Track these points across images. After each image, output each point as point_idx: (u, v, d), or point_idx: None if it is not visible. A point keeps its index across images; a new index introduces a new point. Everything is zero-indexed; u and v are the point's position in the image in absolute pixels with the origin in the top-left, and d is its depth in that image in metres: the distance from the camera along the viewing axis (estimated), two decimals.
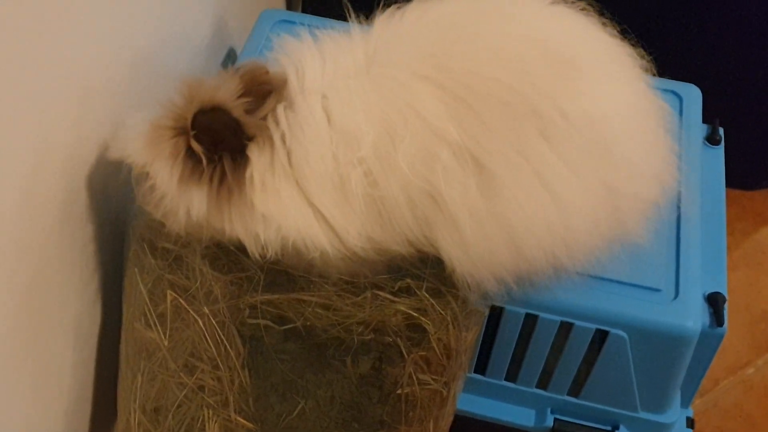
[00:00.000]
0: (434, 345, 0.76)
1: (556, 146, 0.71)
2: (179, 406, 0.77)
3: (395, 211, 0.71)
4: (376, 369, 0.76)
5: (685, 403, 0.95)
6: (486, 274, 0.73)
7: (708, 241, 0.91)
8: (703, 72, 1.12)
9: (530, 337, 0.85)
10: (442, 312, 0.76)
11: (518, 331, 0.85)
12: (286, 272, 0.76)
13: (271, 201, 0.72)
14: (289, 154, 0.72)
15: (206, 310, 0.77)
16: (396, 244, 0.73)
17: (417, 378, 0.76)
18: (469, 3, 0.76)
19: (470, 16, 0.75)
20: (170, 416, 0.77)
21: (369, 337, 0.75)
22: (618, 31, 0.79)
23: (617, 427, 0.91)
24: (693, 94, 1.01)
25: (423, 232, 0.73)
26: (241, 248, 0.75)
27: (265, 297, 0.76)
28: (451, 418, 0.84)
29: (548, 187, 0.71)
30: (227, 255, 0.77)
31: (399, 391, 0.76)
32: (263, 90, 0.73)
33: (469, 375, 0.91)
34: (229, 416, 0.77)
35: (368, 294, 0.75)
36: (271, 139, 0.72)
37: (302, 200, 0.72)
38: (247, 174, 0.72)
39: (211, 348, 0.77)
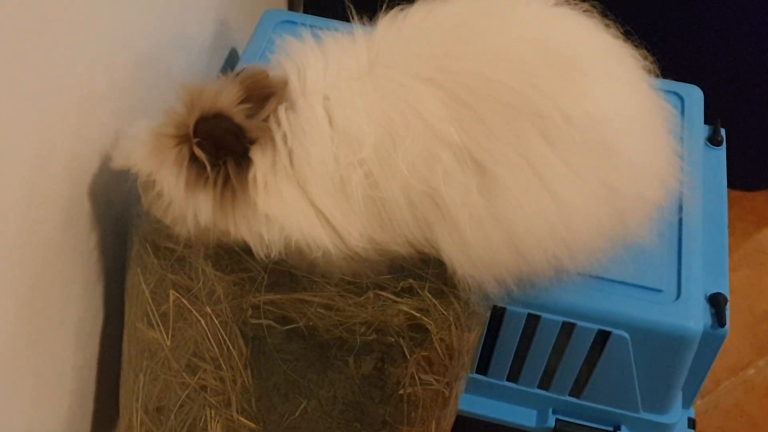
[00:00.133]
0: (436, 345, 0.76)
1: (557, 147, 0.70)
2: (181, 406, 0.77)
3: (396, 213, 0.71)
4: (379, 369, 0.76)
5: (687, 403, 0.95)
6: (487, 275, 0.73)
7: (709, 242, 0.91)
8: (704, 73, 1.12)
9: (532, 338, 0.85)
10: (445, 312, 0.76)
11: (520, 331, 0.85)
12: (289, 272, 0.76)
13: (273, 201, 0.72)
14: (290, 155, 0.72)
15: (209, 310, 0.77)
16: (397, 245, 0.73)
17: (419, 378, 0.76)
18: (472, 4, 0.76)
19: (473, 18, 0.75)
20: (172, 416, 0.77)
21: (371, 337, 0.75)
22: (621, 33, 0.79)
23: (619, 428, 0.91)
24: (695, 95, 1.01)
25: (423, 234, 0.73)
26: (246, 249, 0.75)
27: (268, 297, 0.76)
28: (453, 419, 0.84)
29: (549, 187, 0.71)
30: (230, 255, 0.77)
31: (401, 392, 0.76)
32: (264, 93, 0.73)
33: (471, 375, 0.91)
34: (232, 416, 0.77)
35: (371, 294, 0.75)
36: (273, 140, 0.72)
37: (304, 200, 0.72)
38: (250, 175, 0.72)
39: (213, 348, 0.77)
